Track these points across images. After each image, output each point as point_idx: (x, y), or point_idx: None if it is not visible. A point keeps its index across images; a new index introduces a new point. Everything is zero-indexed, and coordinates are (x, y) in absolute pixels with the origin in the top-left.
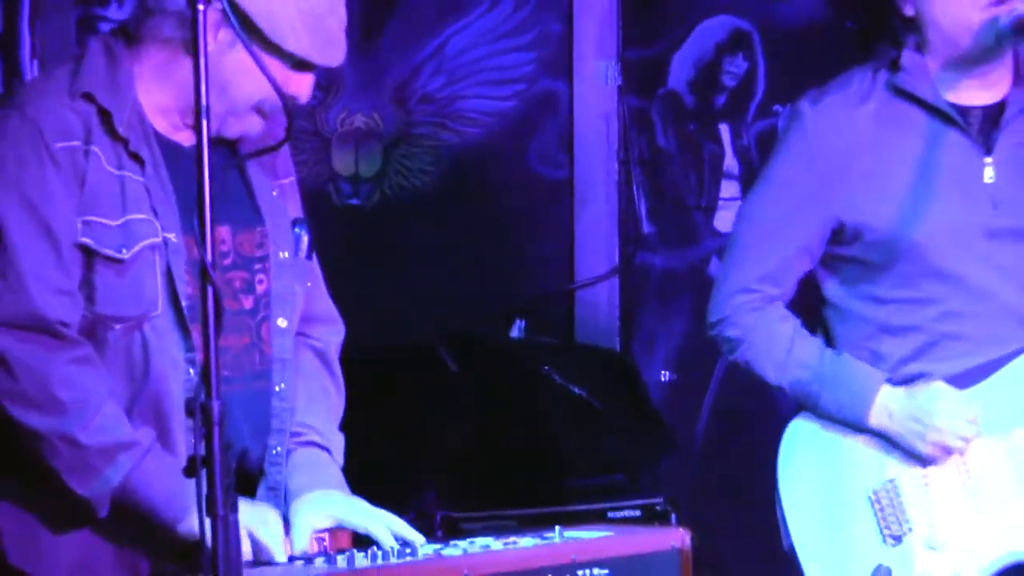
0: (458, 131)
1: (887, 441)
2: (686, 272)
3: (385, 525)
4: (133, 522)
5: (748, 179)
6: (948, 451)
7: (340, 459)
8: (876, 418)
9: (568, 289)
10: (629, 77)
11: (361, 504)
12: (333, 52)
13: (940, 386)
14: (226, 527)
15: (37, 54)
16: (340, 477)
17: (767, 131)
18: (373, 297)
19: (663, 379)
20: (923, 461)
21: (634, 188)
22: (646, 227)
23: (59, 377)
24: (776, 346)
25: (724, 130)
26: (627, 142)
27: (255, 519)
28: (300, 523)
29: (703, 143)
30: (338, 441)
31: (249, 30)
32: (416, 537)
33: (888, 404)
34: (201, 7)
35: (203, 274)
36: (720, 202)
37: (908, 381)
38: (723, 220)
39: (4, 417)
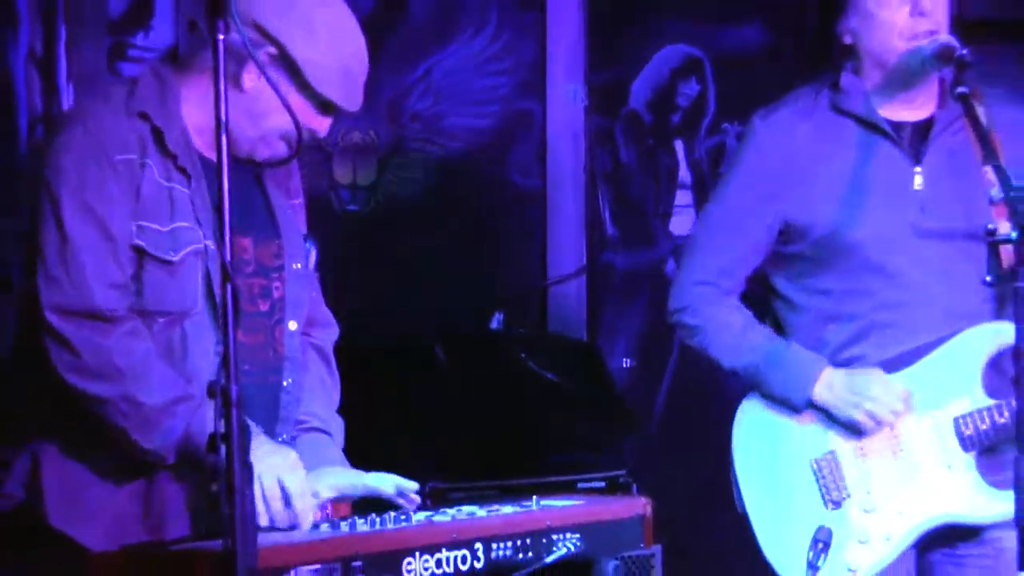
0: (444, 145)
1: (827, 417)
2: (645, 271)
3: (382, 483)
4: (201, 467)
5: (700, 188)
6: (879, 422)
7: (340, 440)
8: (819, 393)
9: (541, 286)
10: (595, 98)
11: (359, 473)
12: (356, 100)
13: (875, 369)
14: (243, 499)
15: (72, 76)
16: (340, 456)
17: (716, 146)
18: (369, 292)
19: (625, 365)
20: (859, 434)
21: (599, 196)
22: (610, 231)
23: (115, 349)
24: (730, 334)
25: (679, 145)
26: (593, 156)
27: (284, 466)
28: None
29: (660, 157)
30: (336, 425)
31: (294, 73)
32: (410, 484)
33: (831, 380)
34: (221, 36)
35: (223, 273)
36: (675, 209)
37: (847, 363)
38: (678, 224)
39: (55, 387)
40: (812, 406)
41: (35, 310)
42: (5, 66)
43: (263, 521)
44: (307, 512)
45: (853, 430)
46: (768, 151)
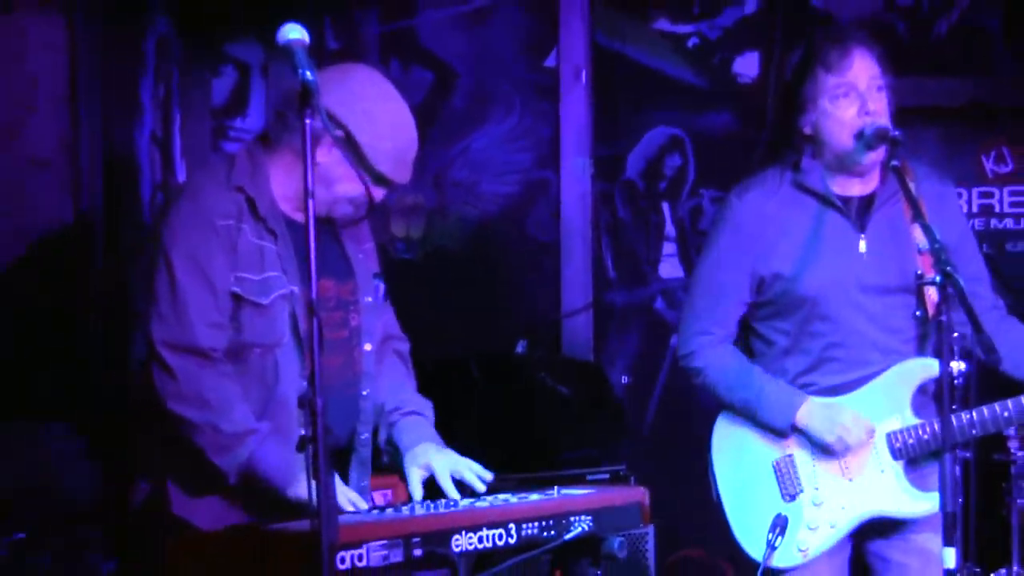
0: (478, 207)
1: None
2: (639, 306)
3: (453, 475)
4: (256, 489)
5: (682, 241)
6: (848, 447)
7: (432, 417)
8: (800, 419)
9: (557, 319)
10: (599, 169)
11: (448, 455)
12: (405, 175)
13: (845, 404)
14: (328, 486)
15: (184, 153)
16: (433, 432)
17: (695, 207)
18: (419, 322)
19: (623, 382)
20: (830, 453)
21: (603, 247)
22: (611, 274)
23: (208, 384)
24: (728, 375)
25: (665, 207)
26: (597, 214)
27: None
28: (411, 475)
29: (650, 215)
30: (427, 406)
31: (355, 153)
32: (486, 474)
33: (810, 410)
34: (308, 121)
35: (309, 310)
36: (663, 257)
37: (803, 387)
38: (665, 269)
39: (162, 408)
40: (795, 430)
41: (147, 342)
42: (133, 145)
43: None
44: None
45: (825, 450)
46: (744, 224)
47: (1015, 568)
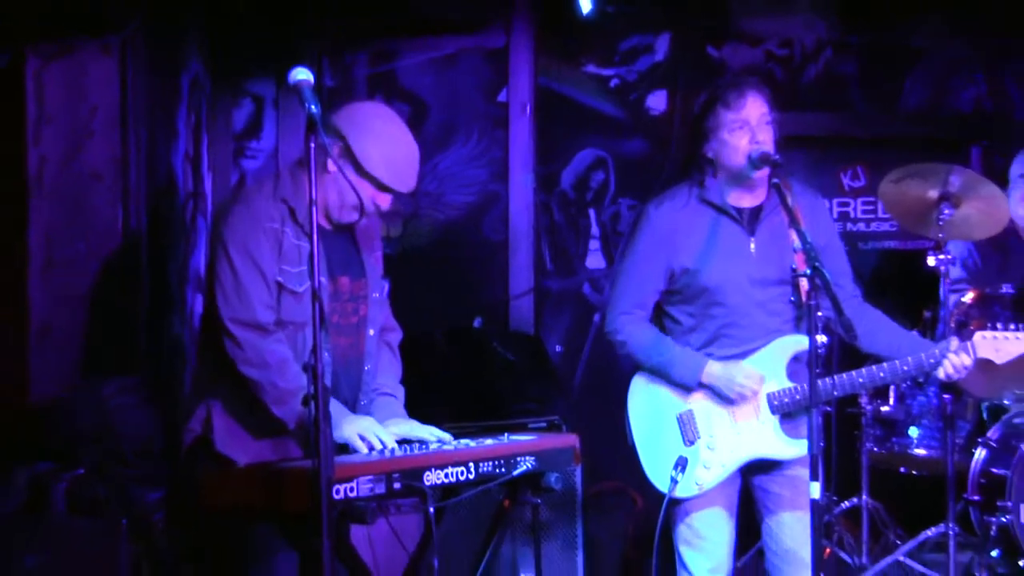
0: (444, 212)
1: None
2: (570, 291)
3: (429, 433)
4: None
5: (604, 240)
6: (744, 397)
7: (402, 399)
8: (706, 377)
9: (506, 300)
10: (539, 183)
11: (415, 424)
12: (406, 184)
13: (743, 363)
14: (328, 433)
15: (211, 168)
16: (403, 411)
17: (615, 213)
18: (398, 304)
19: (557, 350)
20: (730, 402)
21: (542, 244)
22: (548, 266)
23: (268, 350)
24: (646, 344)
25: (591, 212)
26: (538, 219)
27: (366, 422)
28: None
29: (579, 220)
30: (400, 392)
31: (355, 163)
32: (446, 436)
33: (712, 370)
34: (312, 145)
35: (313, 296)
36: (589, 252)
37: None
38: (591, 261)
39: (230, 372)
40: (701, 386)
41: (215, 320)
42: (170, 162)
43: (363, 450)
44: (387, 439)
45: (725, 400)
46: (659, 229)
47: (864, 496)
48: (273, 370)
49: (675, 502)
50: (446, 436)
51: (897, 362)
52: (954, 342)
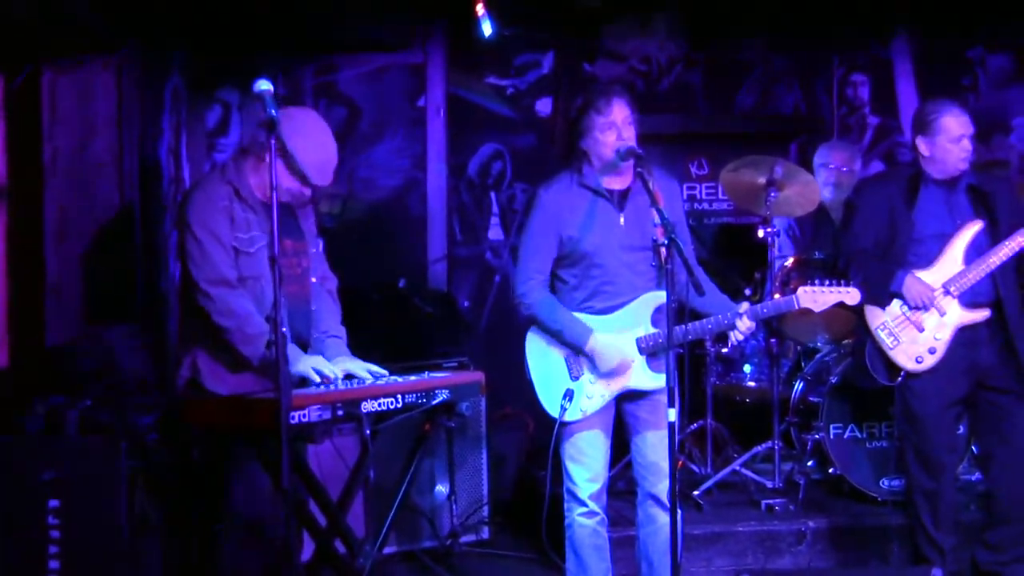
0: (375, 194)
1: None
2: (475, 257)
3: (367, 370)
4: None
5: (503, 217)
6: (610, 371)
7: (345, 339)
8: (588, 348)
9: (425, 264)
10: (451, 171)
11: (358, 362)
12: (325, 179)
13: (620, 346)
14: (286, 372)
15: (189, 159)
16: (347, 351)
17: (511, 195)
18: (339, 266)
19: (465, 305)
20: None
21: (453, 220)
22: (459, 237)
23: (235, 303)
24: (547, 311)
25: (492, 195)
26: (450, 199)
27: (320, 360)
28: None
29: (483, 200)
30: (343, 332)
31: (288, 159)
32: (381, 371)
33: (593, 344)
34: (272, 141)
35: (272, 261)
36: (490, 226)
37: (586, 310)
38: (492, 233)
39: (206, 321)
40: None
41: (190, 284)
42: (157, 155)
43: (316, 380)
44: (336, 373)
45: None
46: (549, 207)
47: (708, 419)
48: (241, 318)
49: (563, 425)
50: (383, 371)
51: (705, 322)
52: (744, 306)
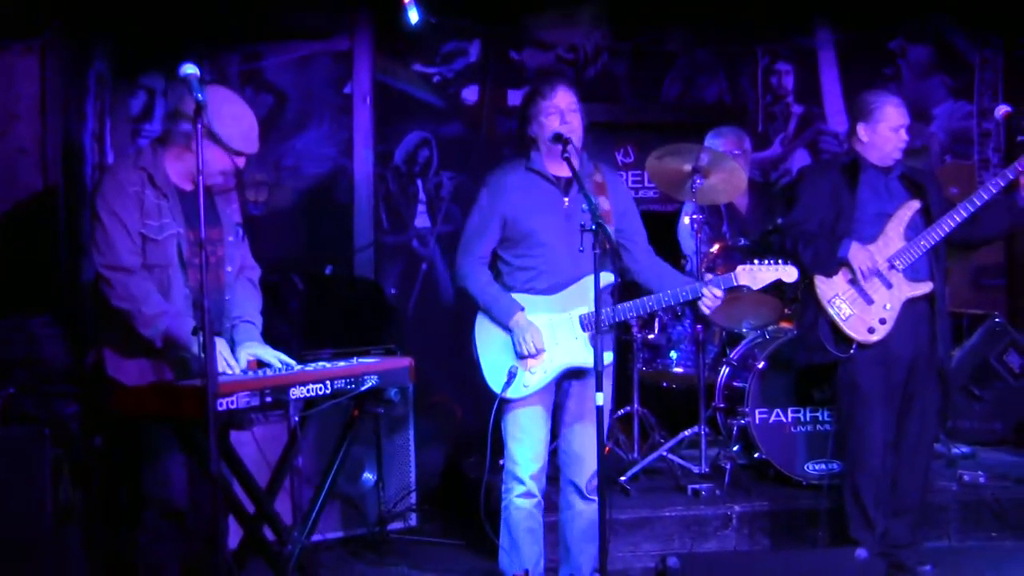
0: (302, 182)
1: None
2: (402, 245)
3: (277, 357)
4: (173, 348)
5: (430, 205)
6: (523, 353)
7: (260, 327)
8: (513, 320)
9: (351, 252)
10: (377, 159)
11: (268, 349)
12: (252, 147)
13: (535, 328)
14: (213, 355)
15: (112, 145)
16: (259, 337)
17: (438, 183)
18: (265, 254)
19: (392, 292)
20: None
21: (380, 207)
22: (385, 225)
23: (133, 285)
24: (481, 288)
25: (419, 182)
26: (377, 187)
27: (222, 345)
28: (240, 357)
29: (409, 188)
30: (259, 320)
31: (216, 141)
32: (290, 360)
33: (517, 321)
34: (199, 126)
35: (199, 246)
36: (417, 214)
37: (529, 290)
38: (418, 221)
39: (108, 306)
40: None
41: (94, 268)
42: (81, 140)
43: (222, 368)
44: (235, 367)
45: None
46: (497, 191)
47: (635, 405)
48: (139, 300)
49: (505, 402)
50: (291, 361)
51: (662, 294)
52: (708, 277)
